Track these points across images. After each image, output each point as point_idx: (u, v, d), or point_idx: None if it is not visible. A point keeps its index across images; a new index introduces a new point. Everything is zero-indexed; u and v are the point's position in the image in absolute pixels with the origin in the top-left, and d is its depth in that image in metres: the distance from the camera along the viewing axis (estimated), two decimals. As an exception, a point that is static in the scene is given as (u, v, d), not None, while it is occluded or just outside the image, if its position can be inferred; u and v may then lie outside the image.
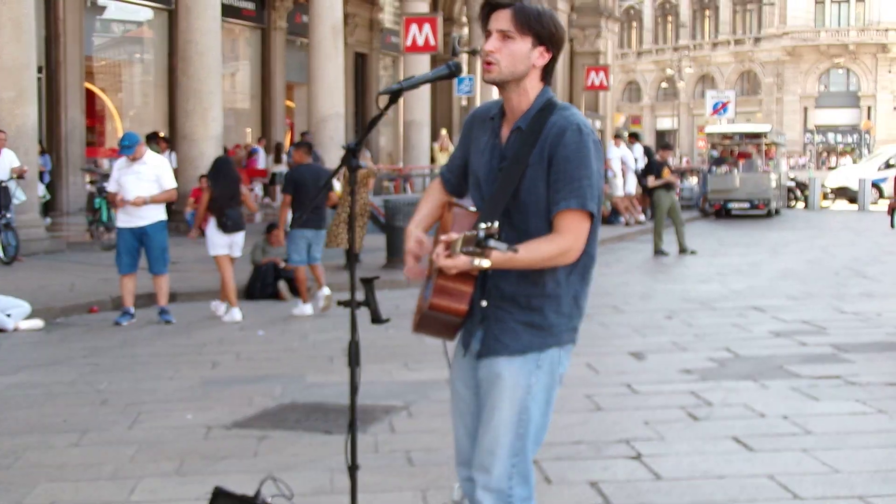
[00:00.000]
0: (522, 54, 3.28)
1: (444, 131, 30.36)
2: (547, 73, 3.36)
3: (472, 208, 3.44)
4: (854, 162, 50.51)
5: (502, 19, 3.27)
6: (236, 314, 11.00)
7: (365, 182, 15.36)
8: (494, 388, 3.34)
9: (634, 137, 25.88)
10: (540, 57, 3.31)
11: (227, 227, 11.02)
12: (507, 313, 3.32)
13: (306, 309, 11.40)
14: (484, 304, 3.33)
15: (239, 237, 11.25)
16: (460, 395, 3.53)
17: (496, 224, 2.94)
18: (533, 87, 3.33)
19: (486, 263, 2.97)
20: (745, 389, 7.50)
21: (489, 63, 3.30)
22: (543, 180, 3.24)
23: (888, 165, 32.26)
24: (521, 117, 3.33)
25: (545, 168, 3.23)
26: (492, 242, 2.92)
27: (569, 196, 3.19)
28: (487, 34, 3.31)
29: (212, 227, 11.04)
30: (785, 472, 5.51)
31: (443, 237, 3.16)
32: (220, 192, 11.03)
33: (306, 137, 20.12)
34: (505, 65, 3.28)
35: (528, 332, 3.32)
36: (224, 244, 11.11)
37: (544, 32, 3.28)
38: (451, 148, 29.27)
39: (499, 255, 2.99)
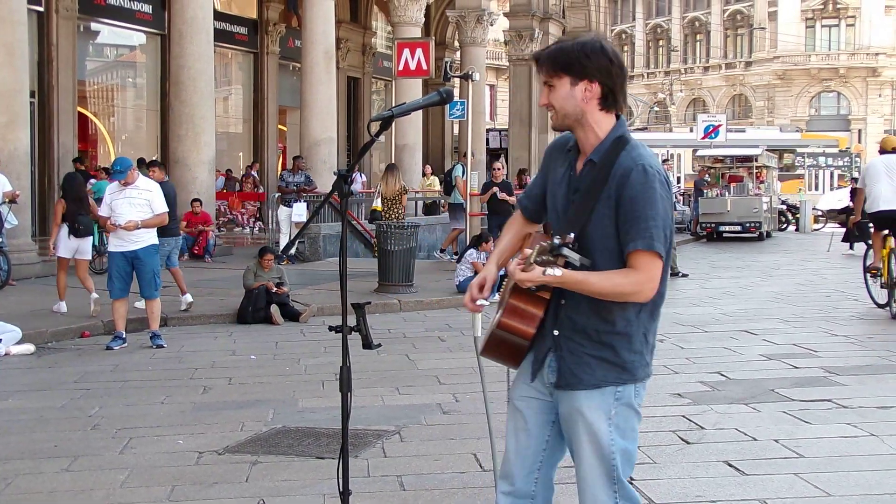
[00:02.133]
0: (564, 96, 3.33)
1: (427, 168, 30.90)
2: (606, 102, 3.34)
3: None
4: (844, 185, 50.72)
5: (542, 71, 3.38)
6: (63, 307, 12.37)
7: (399, 199, 16.93)
8: (577, 426, 3.40)
9: None
10: (586, 92, 3.32)
11: (79, 231, 12.49)
12: (579, 346, 3.36)
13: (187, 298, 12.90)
14: (556, 333, 3.38)
15: (87, 242, 12.75)
16: (520, 413, 3.56)
17: (572, 235, 3.01)
18: (596, 121, 3.35)
19: (557, 272, 3.03)
20: (736, 413, 7.51)
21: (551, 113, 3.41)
22: (611, 218, 3.26)
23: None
24: (593, 150, 3.35)
25: (613, 207, 3.26)
26: (565, 251, 2.99)
27: (636, 237, 3.21)
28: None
29: (63, 233, 12.45)
30: (777, 496, 5.51)
31: (520, 254, 3.24)
32: (70, 202, 12.52)
33: (299, 162, 20.21)
34: (557, 108, 3.35)
35: (602, 367, 3.36)
36: (72, 248, 12.55)
37: (576, 68, 3.31)
38: (430, 175, 29.39)
39: (570, 274, 3.10)
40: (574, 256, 3.05)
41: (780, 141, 42.89)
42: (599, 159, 3.31)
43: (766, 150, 31.26)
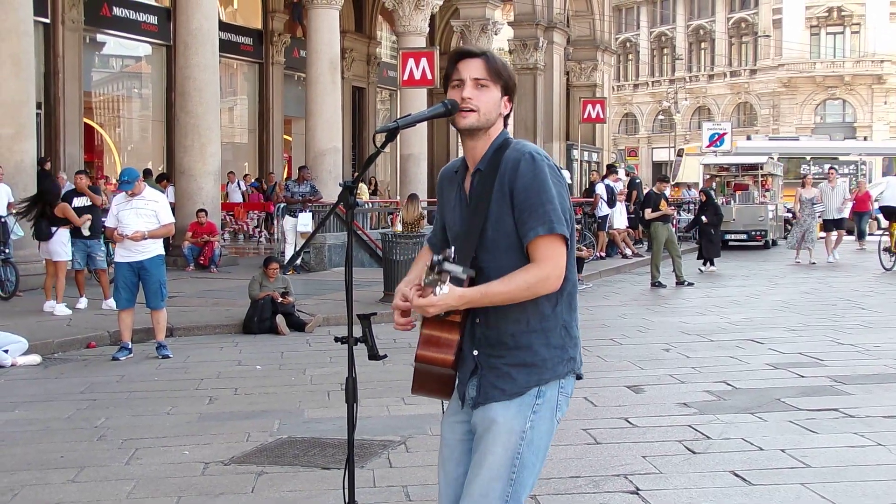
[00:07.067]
0: (495, 102, 3.32)
1: None
2: (505, 122, 3.42)
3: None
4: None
5: (475, 68, 3.30)
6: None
7: (418, 224, 16.91)
8: (489, 434, 3.29)
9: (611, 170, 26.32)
10: (505, 107, 3.36)
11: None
12: (498, 359, 3.30)
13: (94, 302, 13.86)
14: (475, 353, 3.32)
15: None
16: (447, 442, 3.50)
17: (451, 250, 3.02)
18: (495, 134, 3.37)
19: (445, 289, 3.02)
20: (743, 423, 7.49)
21: (468, 109, 3.30)
22: (509, 215, 3.23)
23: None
24: (479, 161, 3.35)
25: (508, 203, 3.23)
26: (446, 265, 2.98)
27: (536, 224, 3.18)
28: (460, 82, 3.32)
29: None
30: (783, 506, 5.50)
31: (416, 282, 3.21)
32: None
33: (304, 172, 20.23)
34: (483, 111, 3.31)
35: (522, 373, 3.29)
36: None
37: (510, 83, 3.35)
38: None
39: (470, 291, 3.12)
40: (456, 269, 3.02)
41: None
42: (485, 167, 3.30)
43: None
